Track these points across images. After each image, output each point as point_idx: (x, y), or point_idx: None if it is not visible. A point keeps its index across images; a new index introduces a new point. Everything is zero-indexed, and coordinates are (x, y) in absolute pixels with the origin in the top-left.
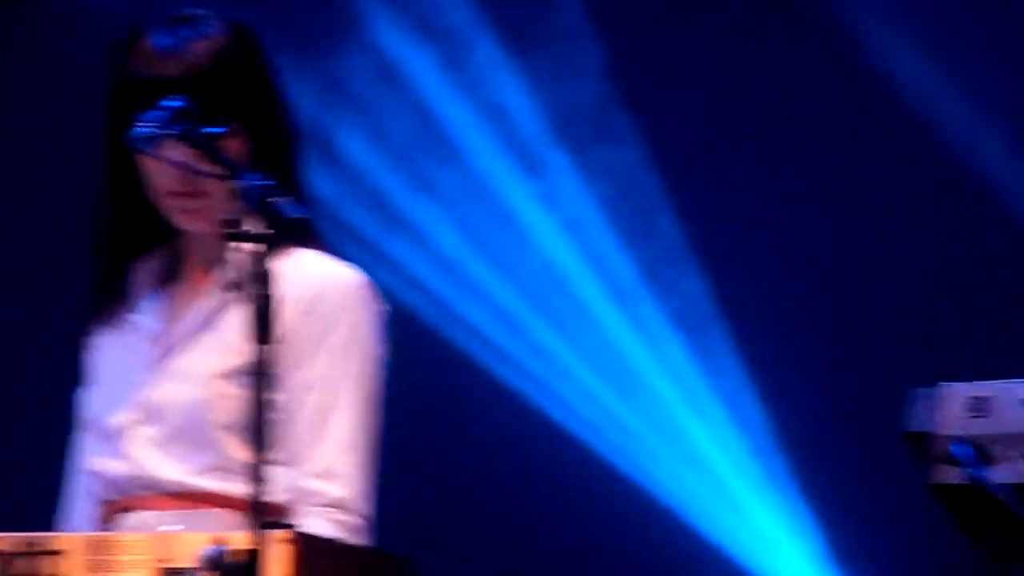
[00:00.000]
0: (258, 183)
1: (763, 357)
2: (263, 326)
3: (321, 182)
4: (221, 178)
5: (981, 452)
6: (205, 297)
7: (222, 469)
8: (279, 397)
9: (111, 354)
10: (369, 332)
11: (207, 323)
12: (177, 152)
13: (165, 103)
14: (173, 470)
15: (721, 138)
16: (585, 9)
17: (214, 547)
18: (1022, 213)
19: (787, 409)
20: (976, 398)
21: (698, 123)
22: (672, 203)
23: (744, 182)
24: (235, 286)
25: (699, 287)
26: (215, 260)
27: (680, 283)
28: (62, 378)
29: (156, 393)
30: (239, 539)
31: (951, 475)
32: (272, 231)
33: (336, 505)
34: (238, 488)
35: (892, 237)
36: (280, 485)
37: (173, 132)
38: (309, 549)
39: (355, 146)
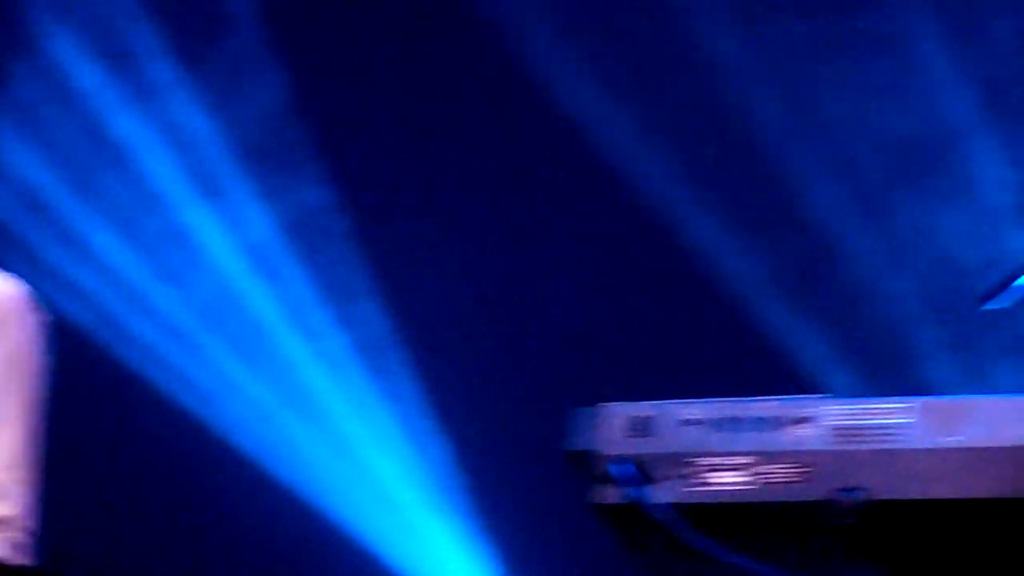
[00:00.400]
0: None
1: (438, 381)
2: None
3: None
4: None
5: (641, 471)
6: None
7: None
8: None
9: None
10: (31, 345)
11: None
12: None
13: None
14: None
15: (400, 170)
16: (266, 39)
17: None
18: (681, 240)
19: (461, 431)
20: (637, 418)
21: (376, 152)
22: (352, 232)
23: (420, 214)
24: None
25: (378, 315)
26: None
27: (359, 310)
28: None
29: None
30: None
31: (612, 494)
32: None
33: (3, 523)
34: None
35: (557, 265)
36: None
37: None
38: None
39: (24, 159)
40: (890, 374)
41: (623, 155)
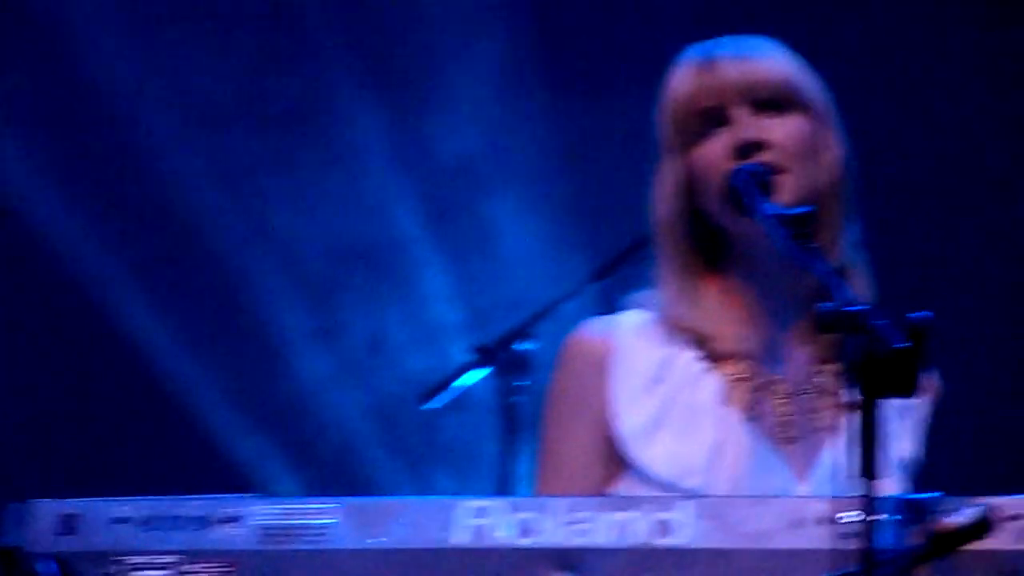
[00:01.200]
0: None
1: None
2: None
3: None
4: None
5: (67, 570)
6: None
7: None
8: None
9: None
10: None
11: None
12: None
13: None
14: None
15: None
16: None
17: None
18: (128, 342)
19: None
20: (65, 515)
21: None
22: None
23: None
24: None
25: None
26: None
27: None
28: None
29: None
30: None
31: None
32: None
33: None
34: None
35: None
36: None
37: None
38: None
39: None
40: (337, 478)
41: (73, 258)
